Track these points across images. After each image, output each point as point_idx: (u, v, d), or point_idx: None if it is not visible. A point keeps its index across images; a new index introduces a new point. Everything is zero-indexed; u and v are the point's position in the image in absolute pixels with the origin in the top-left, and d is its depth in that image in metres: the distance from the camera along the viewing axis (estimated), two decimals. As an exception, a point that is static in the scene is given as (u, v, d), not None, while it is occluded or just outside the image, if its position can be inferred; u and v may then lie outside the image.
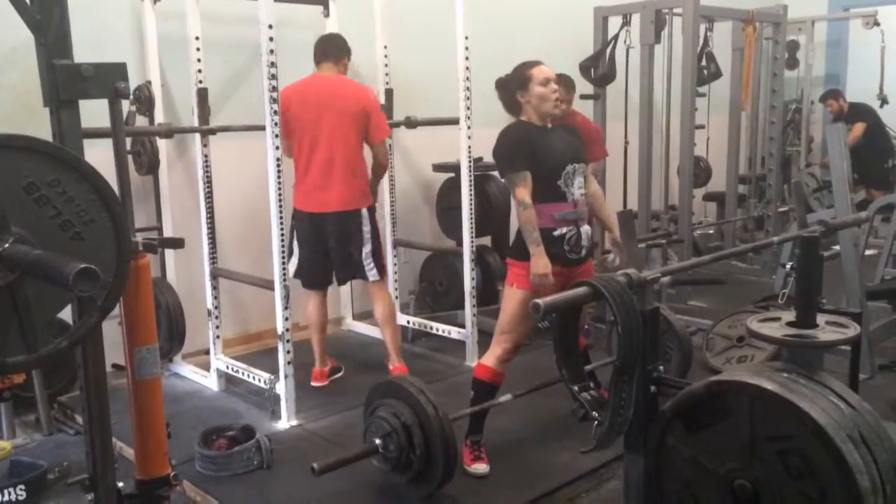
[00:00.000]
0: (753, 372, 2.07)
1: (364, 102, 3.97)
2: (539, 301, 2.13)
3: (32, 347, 1.72)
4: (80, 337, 1.88)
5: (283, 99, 3.74)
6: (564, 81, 4.37)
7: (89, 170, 1.79)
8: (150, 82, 4.15)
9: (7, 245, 1.64)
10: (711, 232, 6.93)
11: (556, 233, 3.12)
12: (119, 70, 2.01)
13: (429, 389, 2.95)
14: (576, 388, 2.64)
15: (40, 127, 1.78)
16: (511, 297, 3.19)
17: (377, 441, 2.94)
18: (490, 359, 3.21)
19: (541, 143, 3.15)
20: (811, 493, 1.88)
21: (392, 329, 4.22)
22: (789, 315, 2.18)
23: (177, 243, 2.33)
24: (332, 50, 4.06)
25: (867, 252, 4.85)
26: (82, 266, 1.48)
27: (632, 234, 2.78)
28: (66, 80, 1.91)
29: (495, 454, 3.24)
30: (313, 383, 4.18)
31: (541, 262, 3.04)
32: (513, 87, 3.20)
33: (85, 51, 1.96)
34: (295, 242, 4.08)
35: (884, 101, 7.59)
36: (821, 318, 2.14)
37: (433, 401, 2.89)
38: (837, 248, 3.97)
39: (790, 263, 3.56)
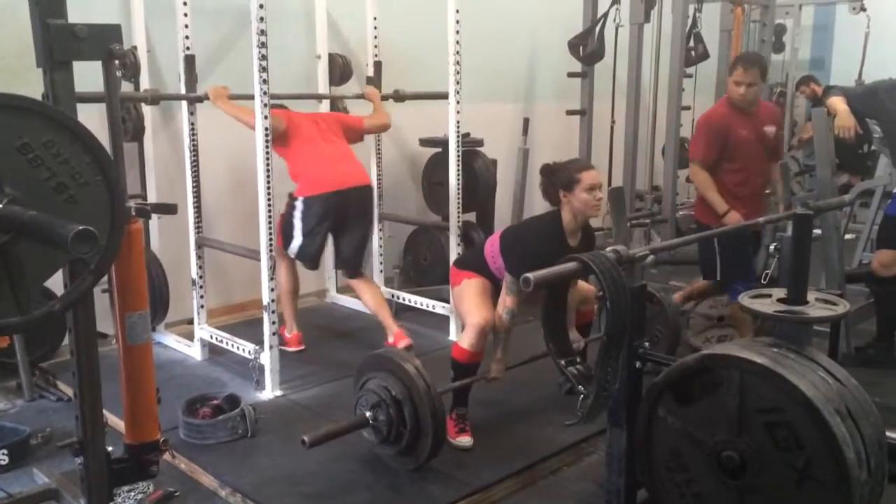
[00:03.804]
0: (744, 346, 2.11)
1: None
2: (529, 275, 2.15)
3: (25, 309, 1.71)
4: (73, 300, 1.87)
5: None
6: (758, 63, 4.03)
7: (84, 132, 1.77)
8: (135, 48, 4.08)
9: (1, 206, 1.63)
10: (693, 213, 6.97)
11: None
12: (114, 31, 1.98)
13: (419, 364, 2.96)
14: (563, 362, 2.68)
15: (24, 91, 1.75)
16: (464, 292, 3.30)
17: (367, 413, 2.96)
18: (466, 341, 3.21)
19: (550, 260, 3.12)
20: (797, 464, 1.93)
21: (386, 306, 4.25)
22: (780, 292, 2.22)
23: (169, 209, 2.32)
24: None
25: (846, 236, 4.92)
26: (81, 227, 1.46)
27: (622, 212, 2.80)
28: (60, 41, 1.88)
29: (479, 427, 3.27)
30: (290, 348, 4.22)
31: (501, 367, 3.25)
32: (557, 182, 3.17)
33: (69, 14, 1.92)
34: (300, 231, 4.04)
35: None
36: (810, 295, 2.18)
37: (424, 375, 2.90)
38: (818, 231, 4.02)
39: (774, 244, 3.60)
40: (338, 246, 4.22)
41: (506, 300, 3.14)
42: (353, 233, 4.14)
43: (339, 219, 4.06)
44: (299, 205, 4.00)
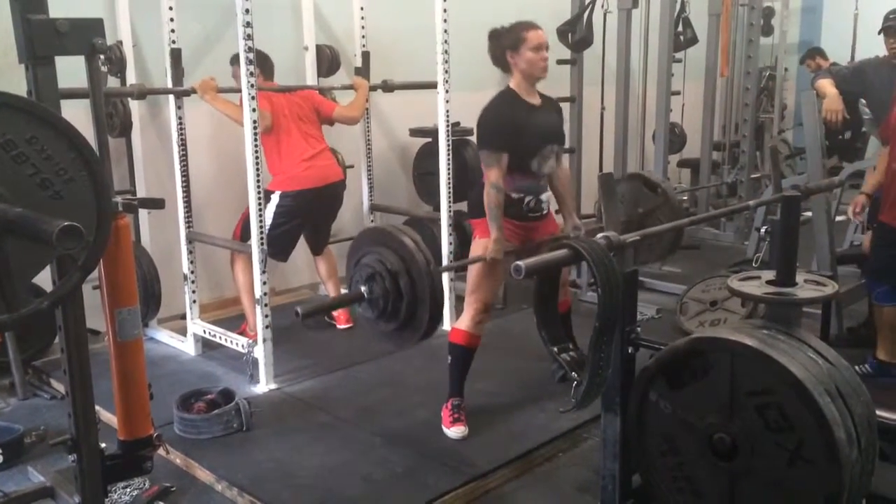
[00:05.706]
0: (734, 329, 2.11)
1: None
2: (520, 263, 2.14)
3: (13, 307, 1.70)
4: (60, 297, 1.87)
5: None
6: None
7: (68, 127, 1.77)
8: (121, 42, 4.06)
9: (-15, 203, 1.62)
10: (685, 198, 6.99)
11: (515, 196, 3.18)
12: (96, 26, 1.98)
13: (418, 238, 2.80)
14: (555, 349, 2.67)
15: (10, 88, 1.74)
16: (477, 251, 3.22)
17: (363, 287, 2.84)
18: (463, 322, 3.23)
19: (525, 123, 3.15)
20: (788, 445, 1.94)
21: (336, 280, 4.54)
22: (769, 274, 2.22)
23: (157, 204, 2.31)
24: None
25: (837, 218, 4.93)
26: (66, 223, 1.46)
27: (612, 198, 2.79)
28: (41, 36, 1.87)
29: (474, 416, 3.27)
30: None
31: (497, 248, 3.08)
32: (504, 44, 3.17)
33: (53, 9, 1.91)
34: (269, 224, 4.02)
35: None
36: (799, 277, 2.18)
37: (423, 247, 2.75)
38: (809, 213, 4.03)
39: (765, 227, 3.60)
40: (307, 233, 4.45)
41: (489, 175, 3.08)
42: (321, 222, 4.48)
43: (311, 213, 4.28)
44: (275, 198, 4.09)
